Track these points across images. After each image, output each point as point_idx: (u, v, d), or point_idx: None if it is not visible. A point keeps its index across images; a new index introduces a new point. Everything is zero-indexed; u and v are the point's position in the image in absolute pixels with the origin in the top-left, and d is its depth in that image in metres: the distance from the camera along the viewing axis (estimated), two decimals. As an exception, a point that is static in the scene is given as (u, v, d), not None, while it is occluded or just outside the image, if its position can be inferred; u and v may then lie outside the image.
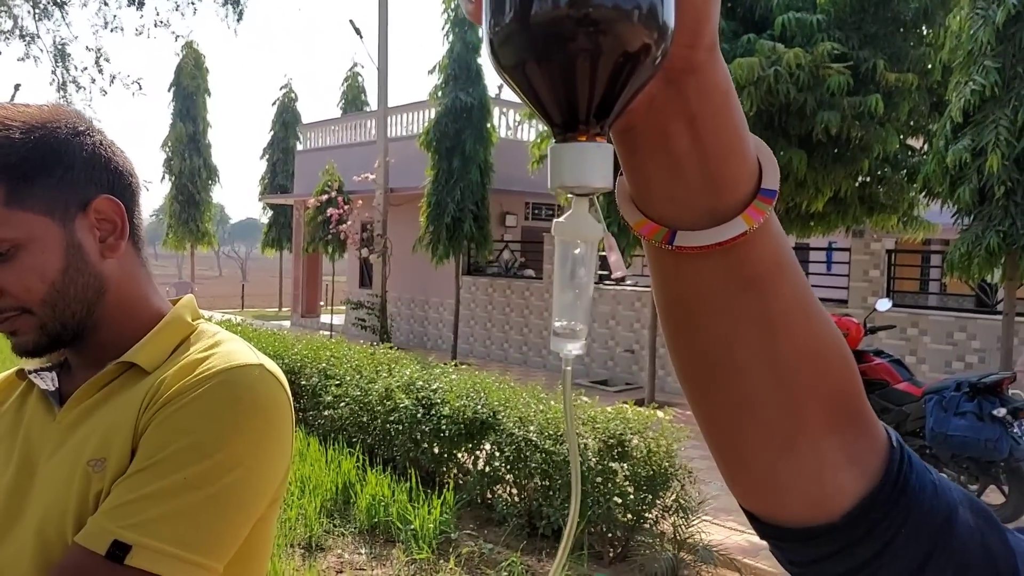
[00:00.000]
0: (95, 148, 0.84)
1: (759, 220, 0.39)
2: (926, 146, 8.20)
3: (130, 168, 0.88)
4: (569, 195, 0.38)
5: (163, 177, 22.19)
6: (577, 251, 0.39)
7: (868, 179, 8.10)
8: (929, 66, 7.42)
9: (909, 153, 8.34)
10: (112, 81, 7.90)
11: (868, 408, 0.44)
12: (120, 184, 0.86)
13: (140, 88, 8.23)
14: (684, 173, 0.39)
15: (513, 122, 15.20)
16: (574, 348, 0.39)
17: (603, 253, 0.44)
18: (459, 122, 12.41)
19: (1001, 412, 4.88)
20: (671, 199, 0.40)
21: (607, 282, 12.07)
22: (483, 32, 0.36)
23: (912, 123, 7.91)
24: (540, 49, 0.34)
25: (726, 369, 0.42)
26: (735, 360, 0.42)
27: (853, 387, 0.44)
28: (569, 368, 0.39)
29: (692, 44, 0.36)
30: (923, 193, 7.30)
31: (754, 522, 0.47)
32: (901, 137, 7.88)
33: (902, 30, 7.65)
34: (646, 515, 4.27)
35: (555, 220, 0.39)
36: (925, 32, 7.78)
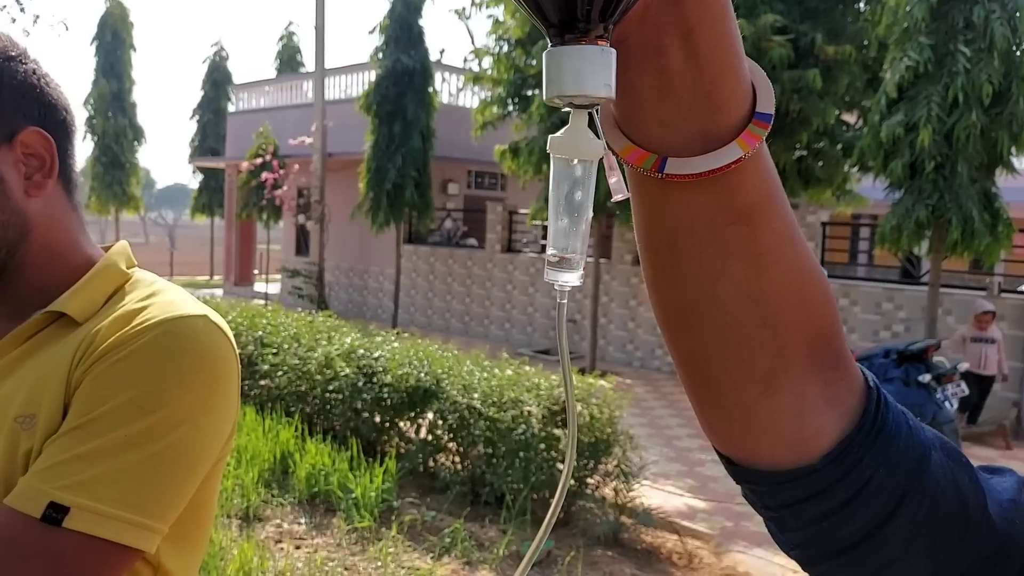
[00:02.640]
0: (27, 76, 0.77)
1: (754, 146, 0.37)
2: (861, 121, 8.43)
3: (65, 103, 0.81)
4: (566, 107, 0.35)
5: (84, 137, 20.94)
6: (575, 171, 0.35)
7: (805, 153, 8.29)
8: (866, 41, 7.59)
9: (844, 128, 8.56)
10: (36, 21, 7.29)
11: (846, 348, 0.43)
12: (52, 119, 0.79)
13: (67, 29, 7.69)
14: (677, 92, 0.37)
15: (455, 88, 14.96)
16: (570, 279, 0.36)
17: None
18: (400, 86, 12.12)
19: (926, 378, 5.12)
20: (662, 122, 0.38)
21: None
22: None
23: (848, 98, 8.11)
24: None
25: (709, 305, 0.40)
26: (719, 296, 0.40)
27: (834, 326, 0.43)
28: (564, 302, 0.36)
29: None
30: (857, 167, 7.52)
31: (729, 466, 0.45)
32: (837, 112, 8.07)
33: (841, 5, 7.80)
34: (588, 480, 4.33)
35: (551, 136, 0.36)
36: (863, 7, 7.95)
